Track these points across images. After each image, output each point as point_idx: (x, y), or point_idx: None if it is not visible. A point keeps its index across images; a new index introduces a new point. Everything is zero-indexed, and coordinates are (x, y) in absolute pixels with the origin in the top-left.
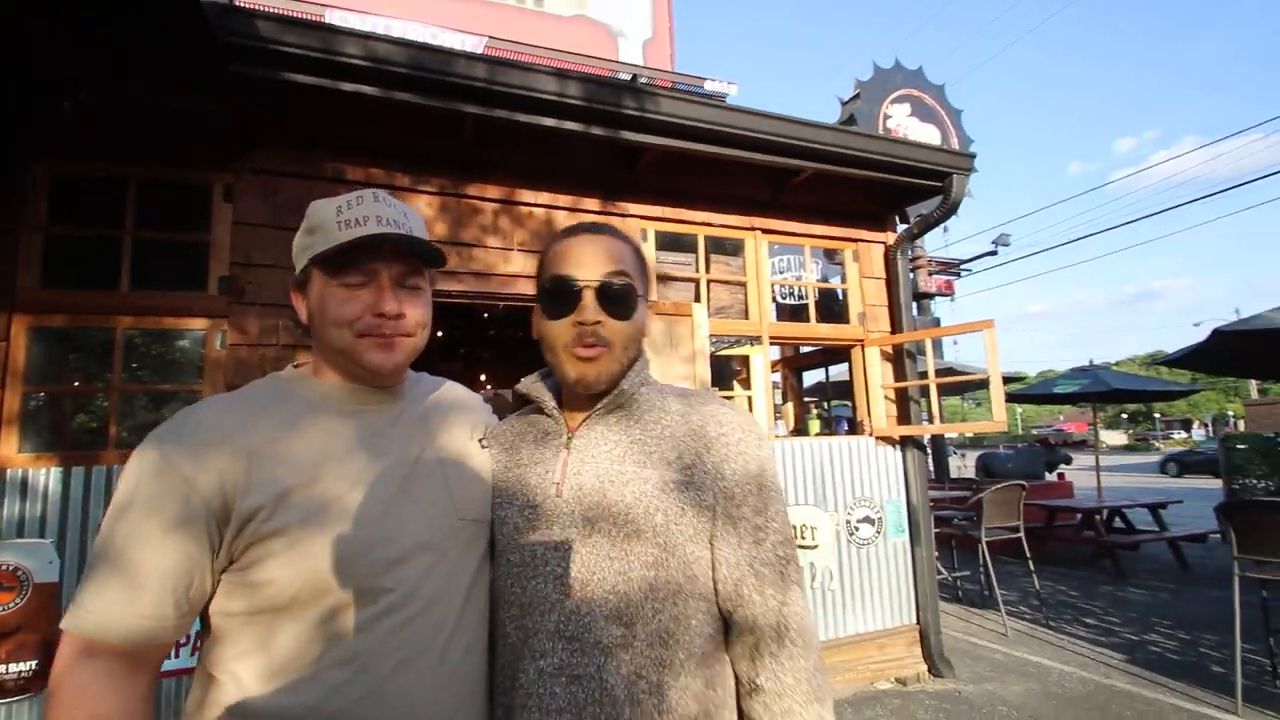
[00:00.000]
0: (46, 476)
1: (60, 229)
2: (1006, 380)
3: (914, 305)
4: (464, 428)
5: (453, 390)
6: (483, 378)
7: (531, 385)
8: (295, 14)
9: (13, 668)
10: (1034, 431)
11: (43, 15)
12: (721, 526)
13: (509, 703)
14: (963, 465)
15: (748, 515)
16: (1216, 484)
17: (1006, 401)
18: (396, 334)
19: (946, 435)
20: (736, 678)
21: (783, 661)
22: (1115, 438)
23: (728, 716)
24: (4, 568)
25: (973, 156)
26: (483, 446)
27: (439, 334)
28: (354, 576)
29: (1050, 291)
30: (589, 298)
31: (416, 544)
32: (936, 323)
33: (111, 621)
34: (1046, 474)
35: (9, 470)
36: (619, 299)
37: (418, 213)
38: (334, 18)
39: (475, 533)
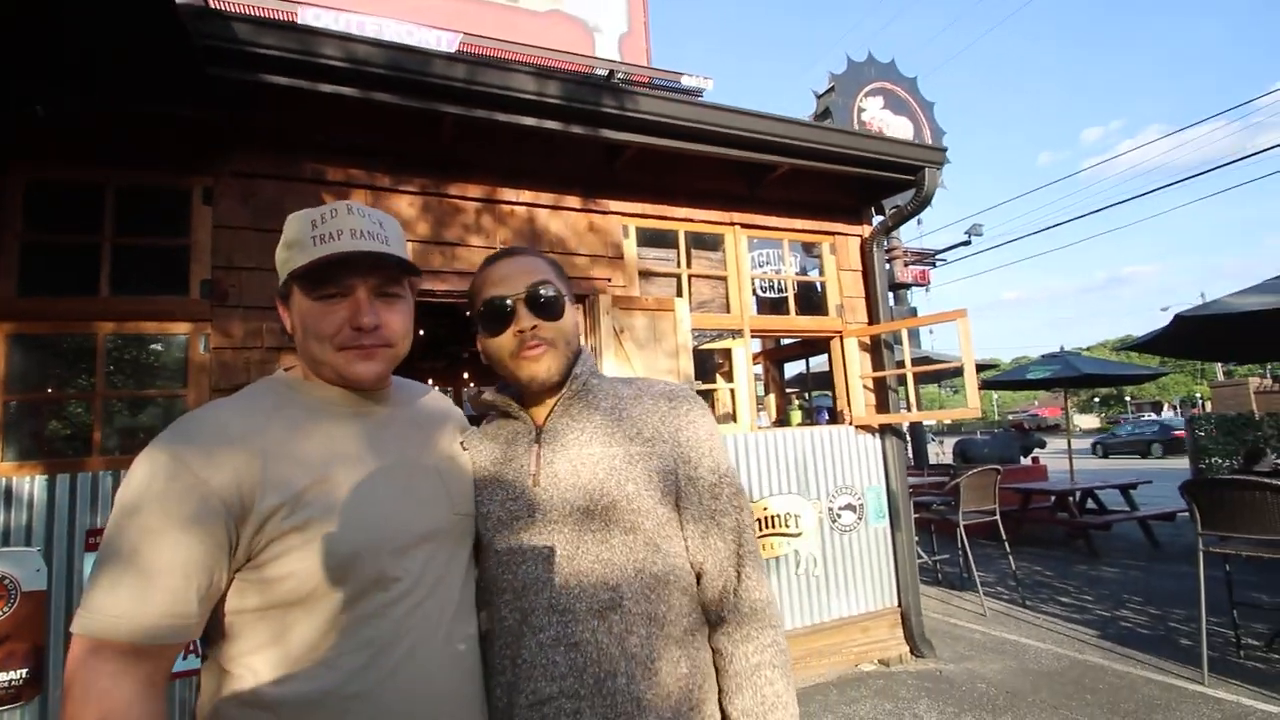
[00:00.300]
0: (31, 484)
1: (37, 235)
2: (981, 367)
3: (890, 296)
4: (449, 431)
5: (435, 396)
6: (465, 375)
7: (495, 395)
8: (269, 12)
9: (2, 676)
10: (1009, 417)
11: (29, 13)
12: (684, 488)
13: (511, 680)
14: (941, 451)
15: (705, 475)
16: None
17: (981, 388)
18: (376, 345)
19: (925, 422)
20: (707, 620)
21: (742, 595)
22: (1088, 421)
23: (706, 658)
24: None
25: (944, 150)
26: (464, 449)
27: (420, 333)
28: (369, 568)
29: (1024, 278)
30: (521, 308)
31: (420, 535)
32: (913, 313)
33: (125, 621)
34: (1021, 458)
35: None
36: (548, 304)
37: (395, 219)
38: (308, 15)
39: (467, 526)
